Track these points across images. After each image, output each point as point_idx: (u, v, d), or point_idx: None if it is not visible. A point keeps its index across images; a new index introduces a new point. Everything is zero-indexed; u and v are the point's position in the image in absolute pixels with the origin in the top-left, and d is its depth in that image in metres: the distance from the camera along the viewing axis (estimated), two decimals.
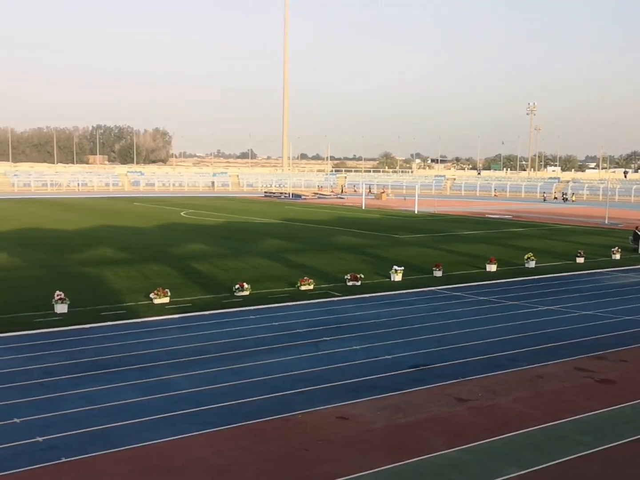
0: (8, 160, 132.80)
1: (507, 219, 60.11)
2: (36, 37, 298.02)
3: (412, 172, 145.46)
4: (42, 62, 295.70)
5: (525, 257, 31.51)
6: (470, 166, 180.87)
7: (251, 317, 20.48)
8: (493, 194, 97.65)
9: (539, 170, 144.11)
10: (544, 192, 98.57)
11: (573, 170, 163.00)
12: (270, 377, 14.74)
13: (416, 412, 12.77)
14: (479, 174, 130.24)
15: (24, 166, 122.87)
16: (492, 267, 29.83)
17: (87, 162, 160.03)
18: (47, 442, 11.12)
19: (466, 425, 12.21)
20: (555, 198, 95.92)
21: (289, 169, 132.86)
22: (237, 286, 23.57)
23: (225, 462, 10.51)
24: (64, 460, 10.47)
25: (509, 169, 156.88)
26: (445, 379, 14.83)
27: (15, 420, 12.04)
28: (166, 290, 22.32)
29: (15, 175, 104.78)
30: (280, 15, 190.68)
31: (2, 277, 26.24)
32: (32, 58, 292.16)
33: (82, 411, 12.55)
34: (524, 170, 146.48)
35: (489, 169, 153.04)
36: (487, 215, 63.78)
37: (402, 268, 27.42)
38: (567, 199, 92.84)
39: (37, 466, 10.25)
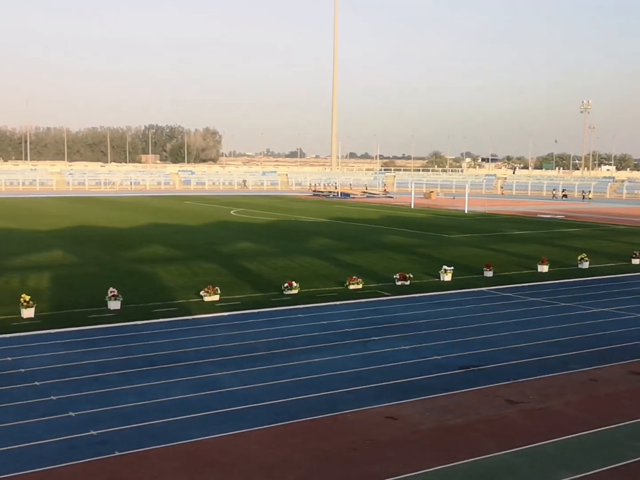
0: (63, 160, 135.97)
1: (559, 219, 59.09)
2: (91, 41, 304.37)
3: (461, 171, 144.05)
4: (96, 64, 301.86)
5: (579, 257, 30.93)
6: (522, 165, 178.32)
7: (300, 315, 20.57)
8: (561, 194, 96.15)
9: (592, 169, 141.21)
10: (553, 190, 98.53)
11: (628, 169, 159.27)
12: (318, 375, 14.78)
13: (466, 414, 12.66)
14: (513, 172, 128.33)
15: (79, 165, 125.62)
16: (544, 268, 29.35)
17: (139, 161, 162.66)
18: (101, 436, 11.36)
19: (517, 428, 12.05)
20: (565, 196, 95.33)
21: (338, 168, 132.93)
22: (285, 285, 23.69)
23: (275, 460, 10.59)
24: (117, 454, 10.69)
25: (561, 168, 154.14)
26: (496, 380, 14.66)
27: (71, 413, 12.33)
28: (216, 288, 22.56)
29: (70, 174, 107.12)
30: (330, 14, 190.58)
31: (58, 274, 26.87)
32: (87, 61, 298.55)
33: (135, 406, 12.78)
34: (577, 169, 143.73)
35: (541, 168, 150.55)
36: (538, 215, 62.80)
37: (452, 268, 27.20)
38: (585, 196, 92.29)
39: (93, 459, 10.48)
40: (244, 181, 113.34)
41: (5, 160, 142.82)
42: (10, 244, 36.32)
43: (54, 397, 13.14)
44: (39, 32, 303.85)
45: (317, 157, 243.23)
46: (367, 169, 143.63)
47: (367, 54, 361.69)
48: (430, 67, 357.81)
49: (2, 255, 31.74)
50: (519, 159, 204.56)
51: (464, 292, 24.70)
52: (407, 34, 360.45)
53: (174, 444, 11.08)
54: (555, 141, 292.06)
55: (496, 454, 10.91)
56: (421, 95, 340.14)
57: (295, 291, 23.44)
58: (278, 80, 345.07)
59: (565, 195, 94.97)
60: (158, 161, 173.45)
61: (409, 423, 12.19)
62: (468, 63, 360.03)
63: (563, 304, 22.90)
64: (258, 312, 20.92)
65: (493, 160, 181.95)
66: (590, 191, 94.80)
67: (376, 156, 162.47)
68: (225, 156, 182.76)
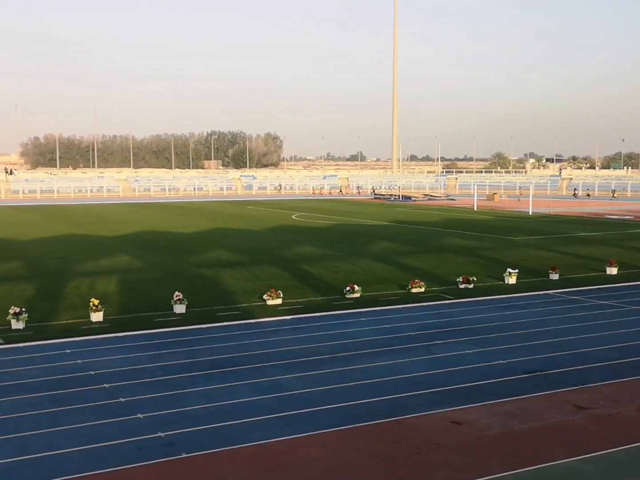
0: (129, 167, 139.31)
1: (627, 220, 57.44)
2: (156, 52, 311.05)
3: (525, 172, 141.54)
4: (162, 72, 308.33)
5: None
6: (588, 165, 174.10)
7: (362, 319, 20.55)
8: (579, 193, 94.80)
9: None
10: (574, 189, 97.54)
11: None
12: (381, 379, 14.74)
13: (533, 419, 12.42)
14: (559, 173, 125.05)
15: (144, 172, 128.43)
16: (612, 270, 28.58)
17: (202, 167, 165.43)
18: (169, 438, 11.58)
19: (586, 434, 11.77)
20: (575, 195, 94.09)
21: (399, 171, 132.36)
22: (347, 288, 23.70)
23: (339, 464, 10.60)
24: (184, 455, 10.88)
25: (629, 167, 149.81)
26: (563, 385, 14.35)
27: (139, 415, 12.61)
28: (279, 291, 22.74)
29: (136, 180, 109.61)
30: (390, 16, 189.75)
31: (125, 278, 27.52)
32: (152, 71, 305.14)
33: (201, 409, 12.98)
34: None
35: (608, 168, 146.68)
36: (606, 216, 61.19)
37: (517, 271, 26.74)
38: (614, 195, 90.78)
39: (161, 460, 10.70)
40: (280, 185, 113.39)
41: (74, 168, 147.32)
42: (80, 249, 37.38)
43: (122, 399, 13.47)
44: (105, 45, 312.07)
45: (377, 160, 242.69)
46: (429, 171, 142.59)
47: (427, 55, 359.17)
48: (491, 67, 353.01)
49: (72, 260, 32.70)
50: (585, 158, 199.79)
51: (529, 295, 24.25)
52: (467, 35, 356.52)
53: (239, 446, 11.21)
54: (623, 140, 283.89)
55: (564, 460, 10.67)
56: (483, 96, 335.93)
57: (357, 295, 23.43)
58: (338, 84, 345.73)
59: (588, 195, 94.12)
60: (220, 167, 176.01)
61: (474, 428, 12.04)
62: (530, 62, 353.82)
63: (633, 307, 22.26)
64: (320, 315, 20.99)
65: (558, 160, 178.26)
66: (614, 190, 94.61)
67: (437, 158, 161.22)
68: (286, 161, 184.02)
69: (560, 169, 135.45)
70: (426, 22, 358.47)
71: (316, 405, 13.11)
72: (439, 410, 12.85)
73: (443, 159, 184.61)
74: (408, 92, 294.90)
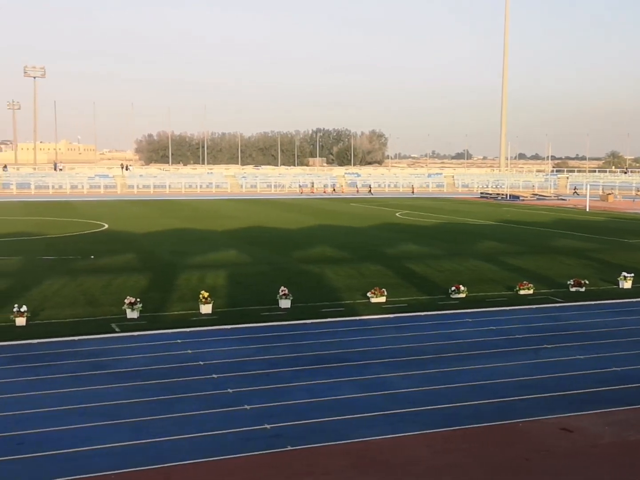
0: (237, 163, 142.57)
1: None
2: (262, 54, 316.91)
3: None
4: (269, 72, 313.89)
5: None
6: None
7: (467, 320, 20.19)
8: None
9: None
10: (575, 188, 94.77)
11: None
12: (488, 382, 14.43)
13: None
14: (625, 172, 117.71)
15: (251, 169, 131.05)
16: None
17: (307, 165, 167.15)
18: (274, 430, 11.75)
19: None
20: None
21: (506, 169, 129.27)
22: (453, 288, 23.35)
23: (444, 465, 10.46)
24: (289, 448, 11.01)
25: None
26: None
27: (246, 407, 12.87)
28: (383, 289, 22.66)
29: (243, 177, 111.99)
30: (500, 13, 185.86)
31: (233, 272, 28.15)
32: (259, 71, 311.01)
33: (306, 403, 13.12)
34: None
35: None
36: None
37: (632, 275, 25.54)
38: None
39: (267, 452, 10.88)
40: (331, 185, 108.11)
41: (185, 165, 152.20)
42: (191, 243, 38.57)
43: (230, 390, 13.78)
44: (216, 47, 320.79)
45: (484, 158, 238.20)
46: (538, 170, 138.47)
47: (537, 52, 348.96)
48: (605, 63, 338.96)
49: (184, 253, 33.78)
50: None
51: None
52: (578, 32, 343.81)
53: (344, 442, 11.24)
54: None
55: None
56: (596, 93, 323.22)
57: (462, 295, 23.04)
58: (445, 81, 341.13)
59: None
60: (325, 164, 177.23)
61: (587, 436, 11.60)
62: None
63: None
64: (425, 315, 20.77)
65: None
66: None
67: (547, 157, 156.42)
68: (391, 158, 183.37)
69: (626, 170, 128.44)
70: (538, 19, 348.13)
71: (421, 404, 12.99)
72: (549, 416, 12.45)
73: (553, 158, 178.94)
74: (517, 88, 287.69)
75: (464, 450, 10.99)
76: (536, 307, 21.87)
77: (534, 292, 23.73)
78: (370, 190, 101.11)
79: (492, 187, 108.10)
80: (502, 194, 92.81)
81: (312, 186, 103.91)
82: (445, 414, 12.53)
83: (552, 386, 14.20)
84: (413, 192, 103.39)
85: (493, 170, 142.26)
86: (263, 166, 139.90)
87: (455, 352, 16.72)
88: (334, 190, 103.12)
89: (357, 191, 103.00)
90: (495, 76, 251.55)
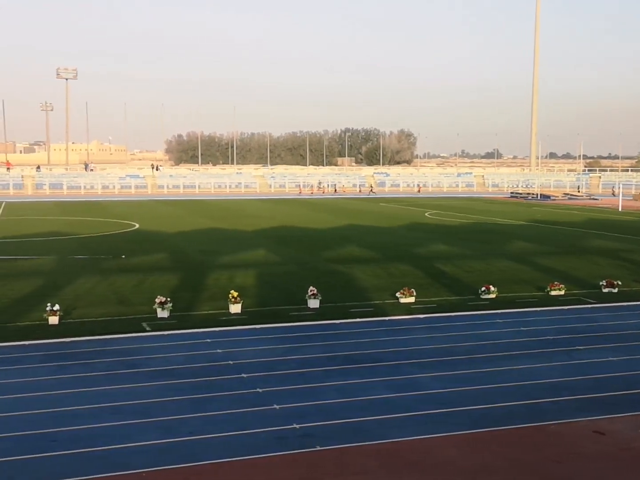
0: (266, 163, 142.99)
1: None
2: (290, 56, 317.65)
3: None
4: (311, 76, 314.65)
5: None
6: None
7: (498, 320, 20.03)
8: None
9: None
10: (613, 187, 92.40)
11: None
12: (520, 383, 14.30)
13: None
14: None
15: (279, 168, 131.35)
16: None
17: (335, 164, 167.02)
18: (303, 430, 11.77)
19: None
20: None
21: (537, 169, 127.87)
22: (483, 288, 23.18)
23: (474, 466, 10.39)
24: (319, 448, 11.02)
25: None
26: None
27: (275, 406, 12.90)
28: (412, 289, 22.58)
29: (271, 177, 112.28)
30: (531, 11, 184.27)
31: (261, 272, 28.25)
32: (289, 73, 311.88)
33: (336, 403, 13.11)
34: None
35: None
36: None
37: None
38: None
39: (296, 451, 10.90)
40: (331, 185, 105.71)
41: (214, 165, 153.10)
42: (220, 242, 38.79)
43: (259, 390, 13.83)
44: (245, 47, 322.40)
45: (514, 157, 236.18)
46: (569, 170, 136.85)
47: (569, 50, 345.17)
48: (638, 60, 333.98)
49: (214, 253, 33.97)
50: None
51: None
52: (608, 31, 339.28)
53: (374, 442, 11.22)
54: None
55: None
56: (628, 91, 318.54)
57: (493, 295, 22.87)
58: (475, 80, 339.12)
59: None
60: (353, 164, 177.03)
61: (619, 440, 11.44)
62: None
63: None
64: (455, 315, 20.66)
65: None
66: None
67: (579, 156, 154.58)
68: (420, 158, 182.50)
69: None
70: (568, 19, 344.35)
71: (452, 405, 12.92)
72: (581, 419, 12.31)
73: (585, 157, 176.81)
74: (548, 87, 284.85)
75: (495, 452, 10.91)
76: (568, 308, 21.63)
77: (565, 293, 23.47)
78: (371, 190, 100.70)
79: (522, 186, 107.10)
80: (533, 194, 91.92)
81: (315, 186, 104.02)
82: (476, 415, 12.45)
83: (584, 388, 14.04)
84: (419, 191, 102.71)
85: (523, 169, 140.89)
86: (291, 166, 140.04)
87: (485, 353, 16.60)
88: (335, 190, 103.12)
89: (360, 191, 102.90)
90: (527, 74, 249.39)
